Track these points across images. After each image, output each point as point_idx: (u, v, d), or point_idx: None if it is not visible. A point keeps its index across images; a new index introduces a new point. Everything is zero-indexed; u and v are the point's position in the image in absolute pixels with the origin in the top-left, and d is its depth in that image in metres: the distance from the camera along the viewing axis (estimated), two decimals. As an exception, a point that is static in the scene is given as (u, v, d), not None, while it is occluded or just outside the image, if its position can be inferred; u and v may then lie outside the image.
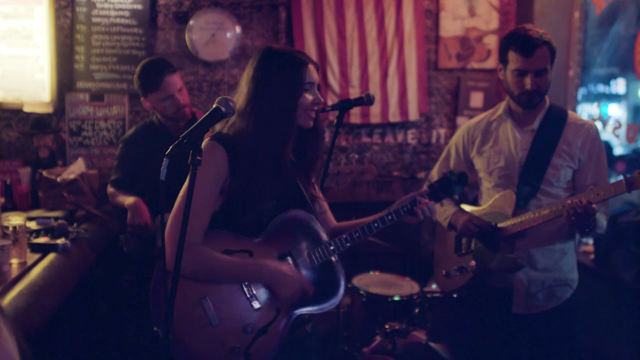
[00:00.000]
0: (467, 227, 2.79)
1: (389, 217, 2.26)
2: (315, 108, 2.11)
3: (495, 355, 2.88)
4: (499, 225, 2.71)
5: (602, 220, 2.58)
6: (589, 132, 2.69)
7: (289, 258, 2.11)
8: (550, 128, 2.71)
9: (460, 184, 2.27)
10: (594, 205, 2.40)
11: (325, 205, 2.37)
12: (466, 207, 2.93)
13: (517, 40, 2.60)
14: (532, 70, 2.58)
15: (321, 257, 2.13)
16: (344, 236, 2.16)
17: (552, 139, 2.70)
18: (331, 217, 2.43)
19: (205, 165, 1.91)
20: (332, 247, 2.14)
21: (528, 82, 2.59)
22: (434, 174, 3.11)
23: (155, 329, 1.96)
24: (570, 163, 2.68)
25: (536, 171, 2.68)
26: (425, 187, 2.33)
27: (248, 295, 2.02)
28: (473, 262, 2.80)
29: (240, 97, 2.07)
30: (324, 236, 2.17)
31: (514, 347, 2.80)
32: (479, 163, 2.89)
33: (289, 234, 2.12)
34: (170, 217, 1.99)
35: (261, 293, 2.04)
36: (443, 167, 3.05)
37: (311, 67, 2.08)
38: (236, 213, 2.05)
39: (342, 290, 2.14)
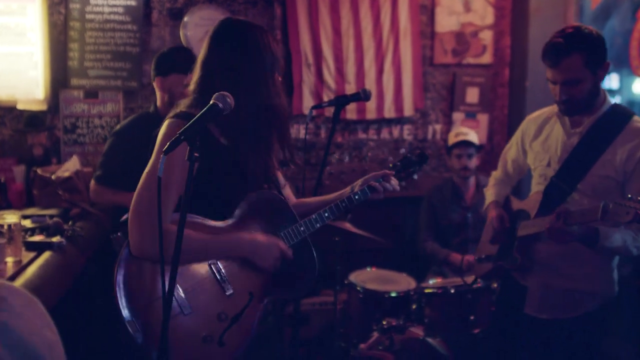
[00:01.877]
0: (491, 222, 2.82)
1: (356, 197, 2.24)
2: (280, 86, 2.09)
3: (500, 351, 2.85)
4: (522, 224, 2.68)
5: (614, 235, 2.38)
6: None
7: None
8: (602, 133, 2.49)
9: (419, 163, 2.37)
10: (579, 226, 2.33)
11: (282, 179, 2.32)
12: (514, 200, 2.90)
13: (547, 48, 2.46)
14: (559, 81, 2.44)
15: (293, 238, 2.12)
16: (314, 216, 2.15)
17: (599, 146, 2.48)
18: (290, 192, 2.40)
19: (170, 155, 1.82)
20: (302, 228, 2.13)
21: (557, 92, 2.46)
22: (498, 165, 3.08)
23: (127, 320, 1.85)
24: (612, 174, 2.45)
25: (571, 177, 2.52)
26: (388, 168, 2.37)
27: (220, 281, 1.97)
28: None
29: (202, 72, 2.04)
30: (295, 216, 2.15)
31: (521, 348, 2.74)
32: (529, 158, 2.81)
33: (259, 215, 2.09)
34: (135, 198, 1.90)
35: (233, 277, 2.00)
36: (503, 158, 3.03)
37: (274, 40, 2.07)
38: (205, 195, 1.97)
39: (315, 273, 2.12)
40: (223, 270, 2.00)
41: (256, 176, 2.06)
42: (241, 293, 2.00)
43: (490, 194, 3.02)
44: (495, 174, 3.09)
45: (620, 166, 2.43)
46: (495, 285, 3.45)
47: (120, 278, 1.89)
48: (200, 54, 2.09)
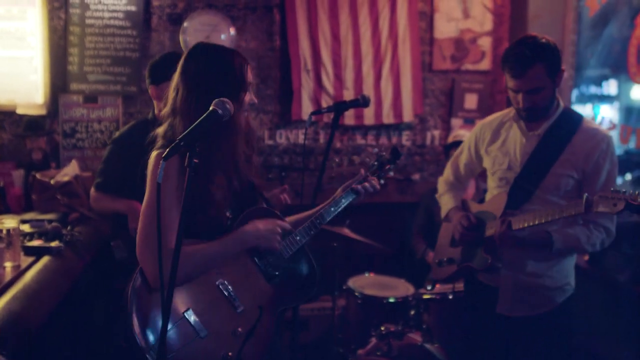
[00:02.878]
0: (457, 224, 2.87)
1: (342, 200, 2.31)
2: (249, 109, 2.12)
3: (480, 354, 2.89)
4: (488, 224, 2.74)
5: (562, 239, 2.54)
6: (598, 143, 2.57)
7: (256, 258, 2.13)
8: (558, 135, 2.62)
9: (393, 160, 2.46)
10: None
11: (266, 196, 2.39)
12: (472, 203, 2.97)
13: (509, 58, 2.54)
14: (524, 90, 2.54)
15: (290, 248, 2.18)
16: (306, 225, 2.22)
17: (557, 146, 2.61)
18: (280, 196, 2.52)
19: (165, 178, 1.81)
20: (298, 237, 2.19)
21: (520, 100, 2.56)
22: (446, 171, 3.16)
23: (145, 350, 1.84)
24: (572, 173, 2.59)
25: (533, 177, 2.64)
26: (362, 171, 2.43)
27: (229, 299, 2.01)
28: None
29: (178, 95, 2.03)
30: (289, 228, 2.21)
31: (498, 347, 2.79)
32: (486, 162, 2.90)
33: None
34: (140, 236, 1.92)
35: (242, 294, 2.04)
36: (454, 163, 3.11)
37: (249, 67, 2.09)
38: (196, 219, 1.99)
39: (317, 279, 2.20)
40: (230, 287, 2.03)
41: (222, 199, 2.07)
42: (251, 308, 2.05)
43: (447, 199, 3.10)
44: (446, 179, 3.16)
45: (579, 165, 2.57)
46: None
47: (134, 308, 1.87)
48: (175, 77, 2.09)
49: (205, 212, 2.02)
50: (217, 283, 2.02)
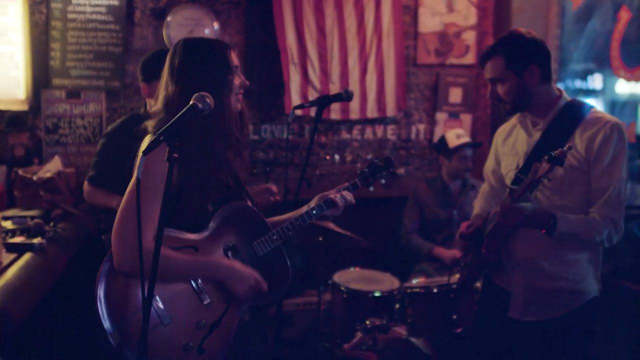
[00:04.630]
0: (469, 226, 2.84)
1: (325, 204, 2.29)
2: (241, 91, 2.15)
3: (485, 356, 2.85)
4: (489, 223, 2.71)
5: (566, 220, 2.44)
6: (601, 128, 2.48)
7: (229, 253, 2.13)
8: (561, 127, 2.57)
9: (386, 168, 2.48)
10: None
11: (250, 192, 2.39)
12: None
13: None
14: (487, 79, 2.66)
15: (266, 247, 2.18)
16: (286, 225, 2.22)
17: (559, 138, 2.54)
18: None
19: (155, 164, 1.86)
20: (275, 237, 2.20)
21: (488, 90, 2.67)
22: (485, 180, 3.10)
23: (109, 332, 1.89)
24: (576, 164, 2.49)
25: None
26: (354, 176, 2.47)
27: (197, 291, 2.03)
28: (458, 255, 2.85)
29: (168, 91, 2.07)
30: (267, 225, 2.21)
31: (508, 353, 2.72)
32: (502, 166, 2.86)
33: (233, 226, 2.14)
34: (119, 216, 1.95)
35: (209, 287, 2.05)
36: (485, 172, 3.07)
37: (233, 51, 2.12)
38: (180, 209, 2.03)
39: (289, 280, 2.19)
40: (200, 281, 2.05)
41: (208, 188, 2.07)
42: (218, 302, 2.06)
43: (475, 207, 3.07)
44: (483, 188, 3.13)
45: (582, 155, 2.50)
46: (478, 285, 3.46)
47: (101, 292, 1.92)
48: (163, 74, 2.12)
49: (187, 202, 2.03)
50: None
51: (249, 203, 2.24)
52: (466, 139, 4.40)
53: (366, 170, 2.48)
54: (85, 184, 3.32)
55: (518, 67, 2.55)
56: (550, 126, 2.60)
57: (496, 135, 2.97)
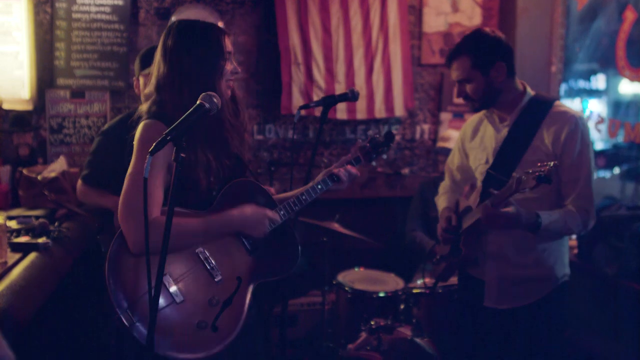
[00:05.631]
0: (439, 226, 2.91)
1: (329, 179, 2.33)
2: (233, 78, 2.16)
3: (469, 347, 2.90)
4: (464, 219, 2.76)
5: (549, 218, 2.49)
6: (566, 123, 2.55)
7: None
8: (527, 122, 2.64)
9: (386, 143, 2.50)
10: (509, 209, 2.41)
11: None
12: (462, 201, 2.96)
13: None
14: (454, 80, 2.70)
15: (272, 222, 2.19)
16: (292, 200, 2.25)
17: (526, 134, 2.62)
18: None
19: (151, 144, 1.83)
20: (282, 212, 2.22)
21: (455, 89, 2.72)
22: (445, 175, 3.19)
23: (120, 314, 1.89)
24: (544, 158, 2.51)
25: (505, 166, 2.63)
26: (356, 150, 2.48)
27: (209, 268, 2.04)
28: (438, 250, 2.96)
29: (160, 72, 2.08)
30: (274, 201, 2.25)
31: (486, 340, 2.79)
32: (470, 159, 2.94)
33: (239, 202, 2.15)
34: (124, 200, 1.95)
35: (221, 264, 2.07)
36: (448, 167, 3.14)
37: (227, 37, 2.13)
38: (185, 188, 2.04)
39: (298, 255, 2.22)
40: (211, 258, 2.06)
41: (213, 171, 2.10)
42: (230, 279, 2.07)
43: (441, 201, 3.14)
44: (444, 184, 3.20)
45: (550, 149, 2.57)
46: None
47: (111, 274, 1.93)
48: (156, 55, 2.13)
49: (194, 184, 2.05)
50: (197, 251, 2.05)
51: (253, 179, 2.26)
52: (444, 143, 4.41)
53: (368, 145, 2.49)
54: (79, 183, 3.28)
55: (484, 65, 2.60)
56: (517, 121, 2.67)
57: (463, 129, 3.03)
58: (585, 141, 2.57)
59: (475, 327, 2.84)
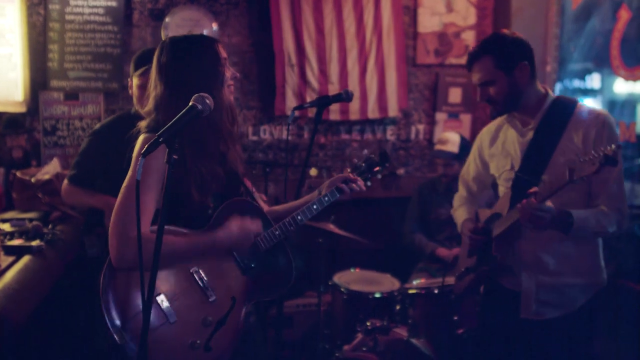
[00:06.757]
0: (466, 231, 2.82)
1: (325, 198, 2.30)
2: (232, 82, 2.15)
3: (494, 358, 2.82)
4: (495, 224, 2.69)
5: (581, 216, 2.42)
6: (593, 122, 2.49)
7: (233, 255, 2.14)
8: (552, 124, 2.57)
9: (382, 163, 2.47)
10: (548, 203, 2.34)
11: (250, 184, 2.40)
12: (482, 212, 2.91)
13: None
14: (476, 83, 2.61)
15: (268, 242, 2.18)
16: (288, 220, 2.21)
17: (553, 135, 2.55)
18: (259, 199, 2.48)
19: (148, 159, 1.80)
20: (277, 232, 2.20)
21: (478, 93, 2.62)
22: (459, 187, 3.13)
23: (113, 333, 1.87)
24: (575, 158, 2.41)
25: (534, 168, 2.57)
26: (348, 171, 2.44)
27: (203, 288, 2.03)
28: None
29: (158, 90, 2.05)
30: (269, 221, 2.22)
31: (522, 353, 2.69)
32: (492, 167, 2.86)
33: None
34: (115, 212, 1.92)
35: (215, 284, 2.05)
36: (464, 179, 3.07)
37: (219, 44, 2.12)
38: (180, 205, 2.01)
39: (293, 275, 2.20)
40: (205, 278, 2.04)
41: (206, 185, 2.07)
42: (224, 298, 2.05)
43: (460, 213, 3.05)
44: (460, 195, 3.13)
45: (580, 148, 2.50)
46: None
47: (106, 291, 1.91)
48: (152, 74, 2.10)
49: (187, 199, 2.02)
50: (191, 271, 2.03)
51: (249, 198, 2.24)
52: (441, 146, 4.32)
53: (363, 165, 2.47)
54: (65, 183, 3.19)
55: (508, 65, 2.53)
56: (542, 124, 2.60)
57: (480, 137, 2.95)
58: (615, 138, 2.50)
59: (505, 340, 2.73)
